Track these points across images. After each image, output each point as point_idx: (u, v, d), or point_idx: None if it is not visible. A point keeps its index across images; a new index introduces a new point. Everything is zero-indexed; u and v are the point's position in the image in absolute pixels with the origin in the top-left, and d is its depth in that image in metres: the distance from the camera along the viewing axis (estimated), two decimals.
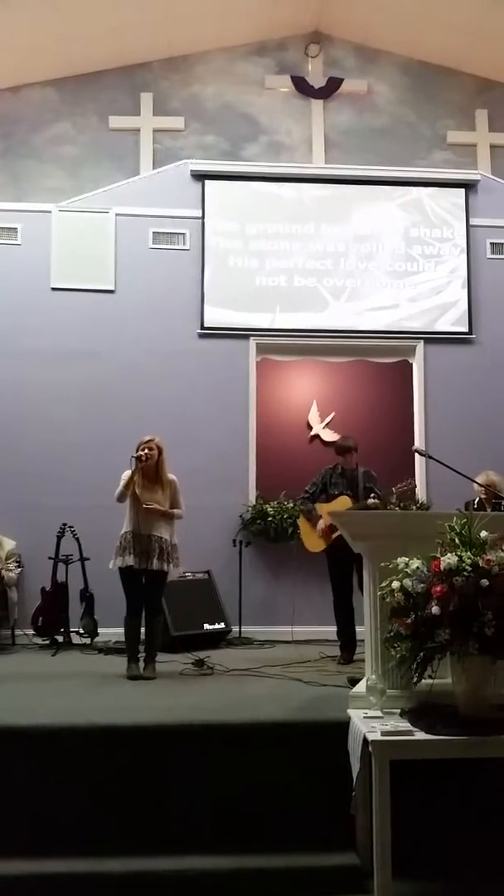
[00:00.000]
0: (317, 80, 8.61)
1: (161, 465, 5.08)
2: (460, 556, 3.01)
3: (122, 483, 4.99)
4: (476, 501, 5.99)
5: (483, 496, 5.89)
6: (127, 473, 5.00)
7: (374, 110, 8.67)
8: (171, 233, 7.51)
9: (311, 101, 8.59)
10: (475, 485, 5.66)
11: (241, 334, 7.44)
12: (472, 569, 2.98)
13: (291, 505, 7.12)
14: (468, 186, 7.77)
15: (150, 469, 5.04)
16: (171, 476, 5.13)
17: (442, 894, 3.12)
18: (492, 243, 7.73)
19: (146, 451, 5.00)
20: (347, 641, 5.52)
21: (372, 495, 5.50)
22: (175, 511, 5.08)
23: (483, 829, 3.29)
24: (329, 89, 8.59)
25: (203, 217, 7.52)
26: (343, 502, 5.58)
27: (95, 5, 7.66)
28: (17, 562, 6.65)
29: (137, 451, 5.02)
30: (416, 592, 3.06)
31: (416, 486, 5.36)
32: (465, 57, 8.53)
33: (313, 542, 5.74)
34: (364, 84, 8.66)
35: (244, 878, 3.12)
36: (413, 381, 7.64)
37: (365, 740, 3.00)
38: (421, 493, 7.12)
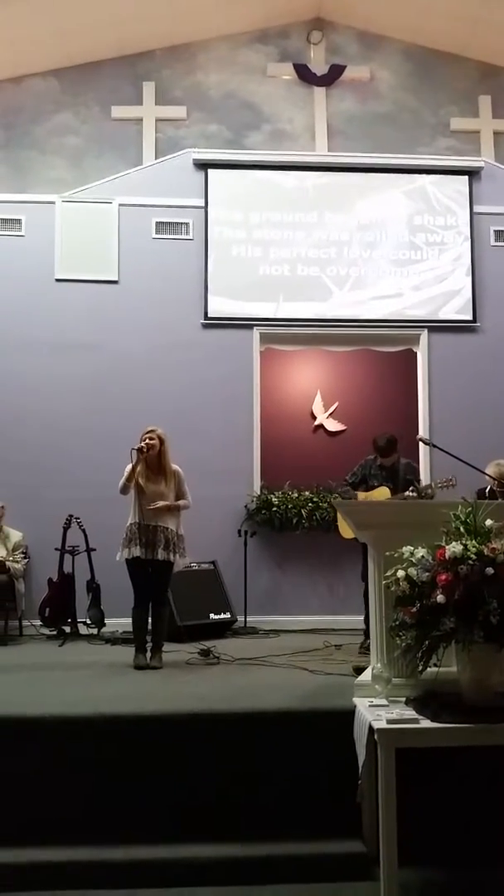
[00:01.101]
0: (319, 67, 8.56)
1: (164, 456, 5.08)
2: (465, 545, 3.01)
3: (124, 475, 5.00)
4: (488, 490, 5.99)
5: (496, 487, 5.87)
6: (130, 467, 5.01)
7: (376, 97, 8.62)
8: (174, 222, 7.49)
9: (313, 88, 8.55)
10: (486, 475, 5.64)
11: (244, 324, 7.43)
12: (477, 557, 2.98)
13: (296, 495, 7.15)
14: (472, 174, 7.73)
15: (153, 460, 5.05)
16: (175, 467, 5.14)
17: (447, 882, 3.14)
18: (496, 231, 7.70)
19: (147, 441, 5.01)
20: None
21: (410, 489, 5.40)
22: (181, 503, 5.09)
23: (488, 816, 3.30)
24: (331, 76, 8.54)
25: (206, 206, 7.51)
26: (383, 493, 5.48)
27: None
28: (23, 553, 6.67)
29: (140, 442, 5.03)
30: (421, 581, 3.06)
31: (456, 484, 5.27)
32: (468, 43, 8.47)
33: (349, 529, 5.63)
34: (367, 71, 8.61)
35: (251, 866, 3.15)
36: (417, 370, 7.63)
37: (371, 728, 3.01)
38: (425, 483, 7.11)
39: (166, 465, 5.08)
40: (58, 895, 3.02)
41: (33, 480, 6.91)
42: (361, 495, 5.56)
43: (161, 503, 4.96)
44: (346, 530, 5.60)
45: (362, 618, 5.50)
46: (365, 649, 5.31)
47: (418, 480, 5.65)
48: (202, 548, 6.46)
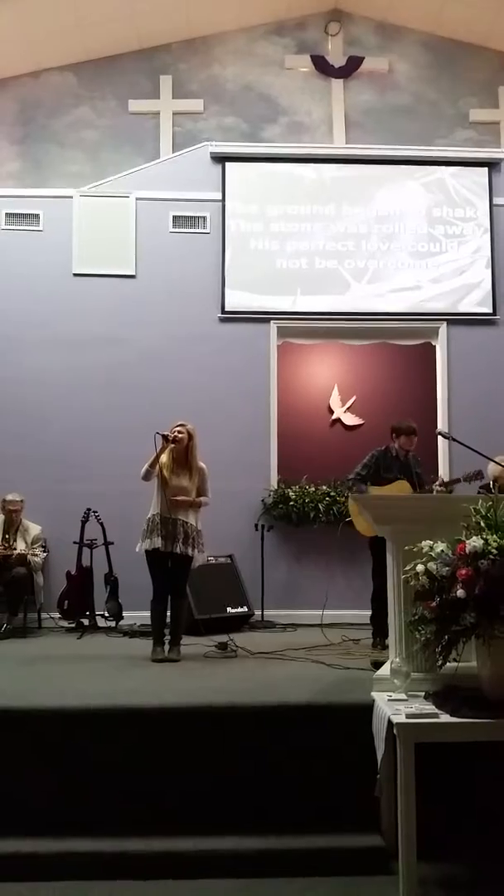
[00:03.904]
0: (337, 59, 8.50)
1: (191, 451, 5.08)
2: (486, 539, 2.99)
3: (148, 461, 5.00)
4: (492, 484, 5.92)
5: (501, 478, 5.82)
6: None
7: (395, 89, 8.55)
8: (191, 216, 7.48)
9: (331, 80, 8.50)
10: (490, 468, 5.59)
11: (261, 318, 7.42)
12: (498, 552, 2.95)
13: (313, 489, 7.13)
14: (491, 165, 7.66)
15: (180, 454, 5.06)
16: (202, 464, 5.14)
17: (467, 877, 3.12)
18: None
19: (176, 433, 5.01)
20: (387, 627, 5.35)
21: (438, 485, 5.31)
22: (201, 499, 5.10)
23: None
24: (349, 68, 8.49)
25: (223, 200, 7.49)
26: (402, 486, 5.37)
27: None
28: (42, 546, 6.71)
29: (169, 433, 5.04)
30: (441, 576, 3.04)
31: (483, 477, 5.22)
32: (488, 32, 8.37)
33: (366, 525, 5.39)
34: (385, 62, 8.54)
35: (269, 859, 3.15)
36: (436, 363, 7.58)
37: (390, 723, 3.00)
38: (444, 477, 7.06)
39: (192, 461, 5.08)
40: (78, 885, 3.03)
41: (52, 474, 6.95)
42: (376, 490, 5.40)
43: (182, 497, 4.96)
44: (363, 526, 5.53)
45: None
46: (379, 645, 5.29)
47: (425, 474, 5.58)
48: (219, 542, 6.45)
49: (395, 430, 5.58)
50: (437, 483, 5.36)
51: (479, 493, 5.12)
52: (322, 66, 8.50)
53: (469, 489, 5.40)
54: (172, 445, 5.01)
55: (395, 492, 5.34)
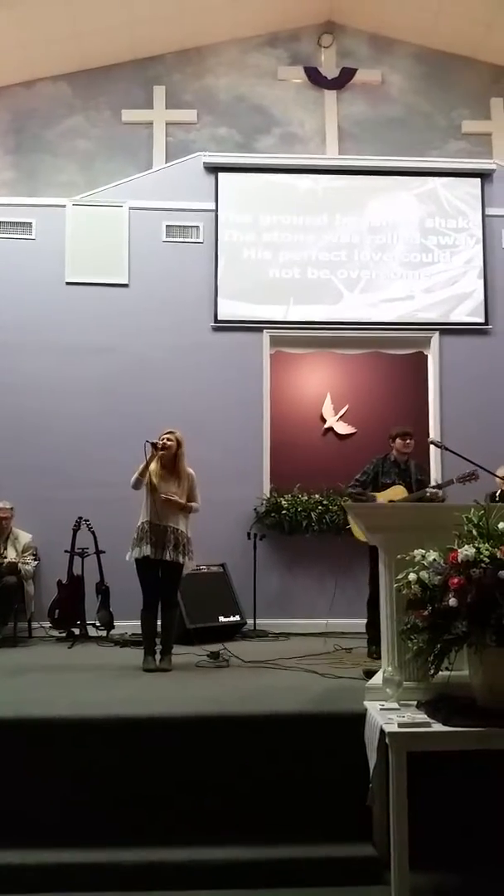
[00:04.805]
0: (330, 70, 8.57)
1: (179, 459, 5.09)
2: (478, 548, 2.99)
3: (138, 470, 5.00)
4: (498, 493, 5.96)
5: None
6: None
7: (388, 100, 8.61)
8: (184, 226, 7.51)
9: (324, 91, 8.56)
10: (497, 477, 5.61)
11: (254, 327, 7.43)
12: (490, 560, 2.95)
13: (306, 498, 7.13)
14: (483, 176, 7.71)
15: (168, 461, 5.06)
16: (190, 470, 5.14)
17: (459, 886, 3.11)
18: None
19: (164, 441, 5.02)
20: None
21: (431, 486, 5.40)
22: (192, 504, 5.10)
23: (500, 820, 3.28)
24: (342, 80, 8.55)
25: (216, 210, 7.52)
26: (398, 491, 5.44)
27: None
28: (33, 555, 6.68)
29: (158, 440, 5.05)
30: (433, 584, 3.04)
31: (479, 478, 5.26)
32: (480, 45, 8.45)
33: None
34: (378, 74, 8.61)
35: (261, 869, 3.13)
36: (428, 373, 7.60)
37: (382, 732, 2.99)
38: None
39: (181, 468, 5.09)
40: None
41: (43, 482, 6.93)
42: (376, 496, 5.45)
43: (173, 496, 4.95)
44: (360, 533, 5.55)
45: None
46: (375, 654, 5.28)
47: (429, 481, 5.63)
48: (212, 550, 6.46)
49: (390, 436, 5.69)
50: (432, 486, 5.39)
51: (492, 502, 5.12)
52: (315, 77, 8.56)
53: (463, 490, 5.41)
54: (162, 453, 5.02)
55: (391, 496, 5.37)
